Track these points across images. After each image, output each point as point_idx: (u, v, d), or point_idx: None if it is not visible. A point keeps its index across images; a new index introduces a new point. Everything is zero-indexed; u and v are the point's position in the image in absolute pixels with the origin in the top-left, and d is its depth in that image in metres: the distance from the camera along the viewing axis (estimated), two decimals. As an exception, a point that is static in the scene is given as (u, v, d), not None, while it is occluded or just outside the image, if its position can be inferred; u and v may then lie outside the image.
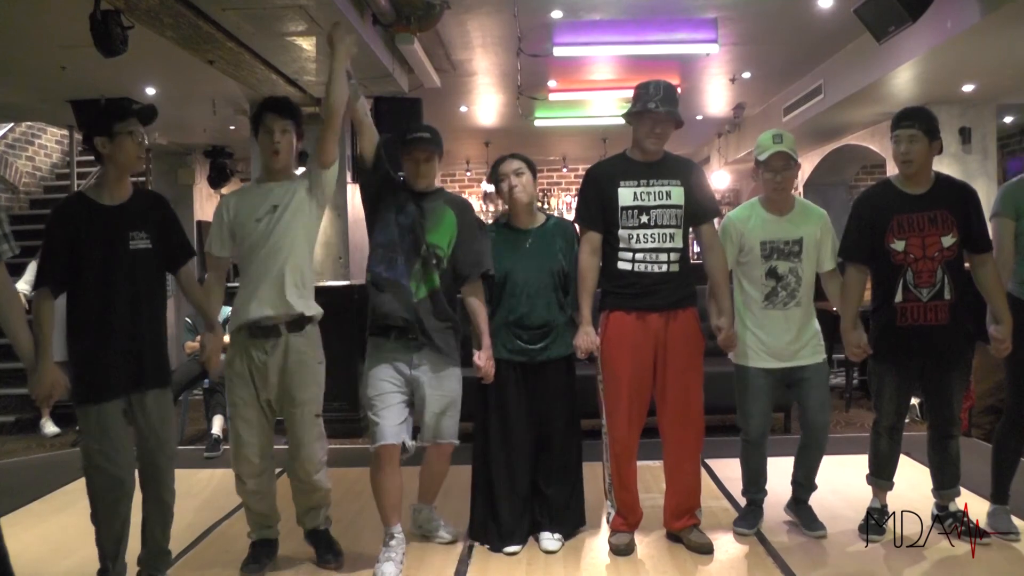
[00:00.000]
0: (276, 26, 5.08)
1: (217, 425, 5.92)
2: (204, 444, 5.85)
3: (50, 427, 6.98)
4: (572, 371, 3.75)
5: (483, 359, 3.58)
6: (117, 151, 3.11)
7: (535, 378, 3.67)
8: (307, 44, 5.47)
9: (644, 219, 3.54)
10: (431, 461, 3.76)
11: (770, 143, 3.66)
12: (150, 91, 7.40)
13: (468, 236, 3.62)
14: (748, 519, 3.85)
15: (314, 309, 3.47)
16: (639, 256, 3.54)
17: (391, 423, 3.44)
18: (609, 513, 3.73)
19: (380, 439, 3.43)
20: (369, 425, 3.52)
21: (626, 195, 3.55)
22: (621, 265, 3.57)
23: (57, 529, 4.17)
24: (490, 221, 4.18)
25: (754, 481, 3.87)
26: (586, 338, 3.53)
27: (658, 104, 3.50)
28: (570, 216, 12.85)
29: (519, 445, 3.66)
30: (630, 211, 3.54)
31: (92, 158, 3.22)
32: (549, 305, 3.64)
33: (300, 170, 3.60)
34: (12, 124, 9.83)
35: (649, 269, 3.54)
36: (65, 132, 8.59)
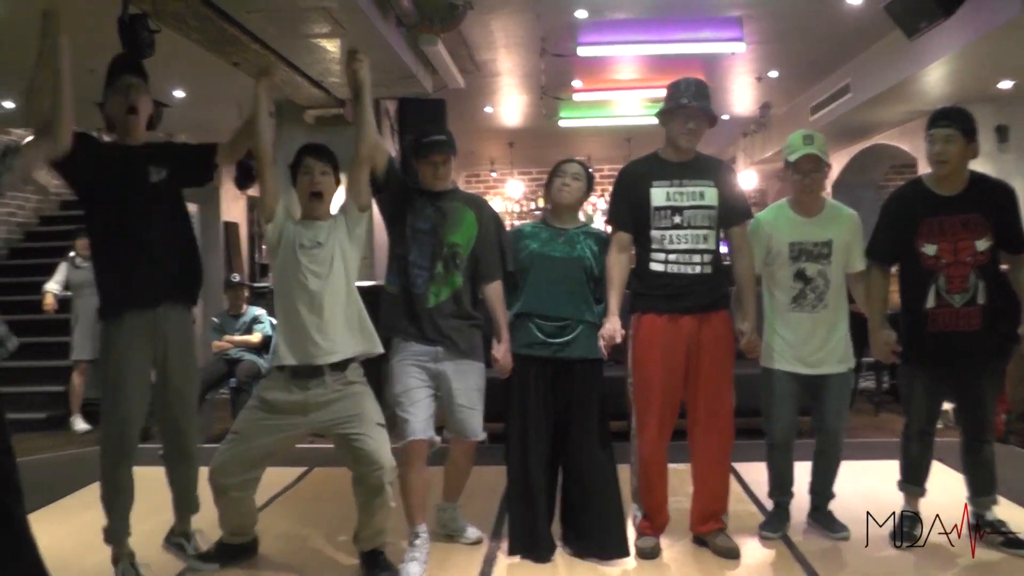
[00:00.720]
0: (300, 28, 5.10)
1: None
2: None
3: (80, 424, 7.06)
4: (599, 376, 3.66)
5: (500, 352, 3.57)
6: (108, 108, 3.34)
7: (559, 378, 3.61)
8: (331, 46, 5.48)
9: (677, 220, 3.50)
10: (455, 458, 3.75)
11: (800, 144, 3.61)
12: (178, 93, 7.46)
13: (489, 236, 3.64)
14: (774, 523, 3.80)
15: (358, 350, 3.40)
16: (672, 257, 3.50)
17: (419, 418, 3.45)
18: (635, 516, 3.70)
19: (410, 435, 3.42)
20: (398, 422, 3.51)
21: (658, 195, 3.51)
22: (654, 266, 3.53)
23: (85, 525, 4.17)
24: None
25: (779, 484, 3.82)
26: (610, 327, 3.45)
27: (690, 99, 3.47)
28: (597, 217, 12.84)
29: (537, 447, 3.59)
30: (663, 211, 3.50)
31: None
32: (572, 296, 3.59)
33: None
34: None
35: (682, 270, 3.49)
36: (94, 134, 8.69)
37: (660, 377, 3.52)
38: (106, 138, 3.43)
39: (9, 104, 7.69)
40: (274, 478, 4.76)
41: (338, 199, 3.54)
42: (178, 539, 3.57)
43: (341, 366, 3.35)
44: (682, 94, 3.49)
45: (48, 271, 7.44)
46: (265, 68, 3.47)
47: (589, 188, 3.77)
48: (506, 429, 3.66)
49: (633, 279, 3.60)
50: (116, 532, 3.37)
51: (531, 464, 3.59)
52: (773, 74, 8.39)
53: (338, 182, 3.54)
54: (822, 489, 3.83)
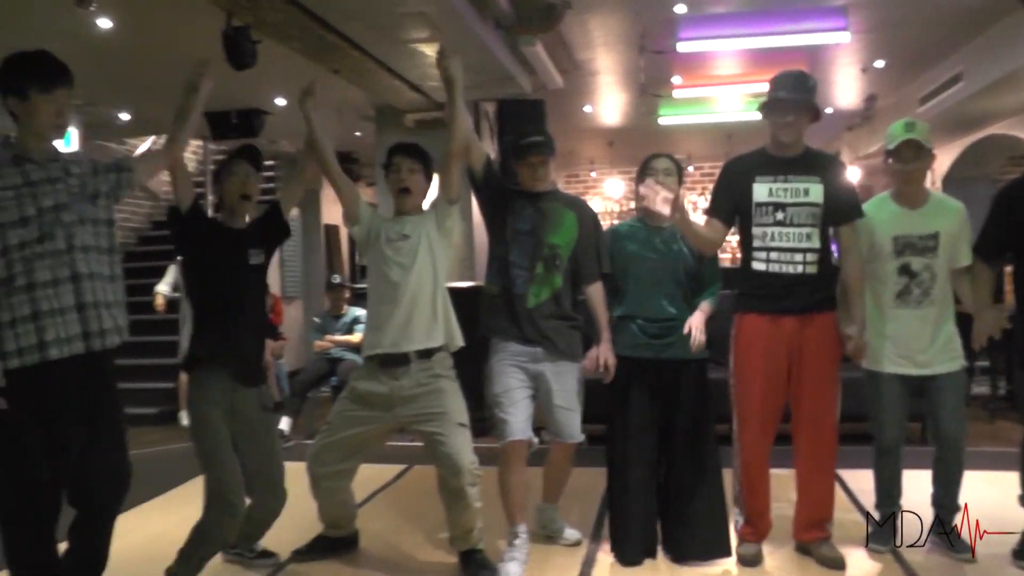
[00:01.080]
0: (398, 34, 5.17)
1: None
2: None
3: (187, 420, 7.34)
4: (704, 376, 3.60)
5: (602, 353, 3.56)
6: (223, 188, 3.45)
7: (662, 379, 3.55)
8: (429, 50, 5.55)
9: (779, 216, 3.40)
10: (555, 459, 3.76)
11: (900, 132, 3.49)
12: (279, 101, 7.68)
13: (589, 237, 3.64)
14: (882, 535, 3.64)
15: (443, 340, 3.49)
16: (774, 256, 3.41)
17: (519, 419, 3.48)
18: (737, 521, 3.63)
19: (509, 435, 3.46)
20: (496, 423, 3.55)
21: (761, 191, 3.43)
22: (756, 265, 3.45)
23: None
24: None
25: (888, 494, 3.66)
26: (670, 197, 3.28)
27: (787, 92, 3.38)
28: (697, 215, 12.60)
29: (640, 449, 3.56)
30: (765, 208, 3.42)
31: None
32: (672, 298, 3.54)
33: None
34: (153, 137, 10.38)
35: (784, 270, 3.40)
36: (200, 143, 9.05)
37: (761, 379, 3.44)
38: (212, 213, 3.59)
39: (125, 116, 8.06)
40: (373, 475, 4.88)
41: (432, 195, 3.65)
42: (236, 551, 3.68)
43: (426, 354, 3.42)
44: (780, 87, 3.41)
45: (159, 273, 7.76)
46: (307, 88, 3.53)
47: (680, 181, 3.69)
48: (608, 431, 3.65)
49: (735, 278, 3.54)
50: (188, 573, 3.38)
51: (632, 466, 3.56)
52: (879, 64, 8.11)
53: (429, 179, 3.64)
54: (947, 501, 3.60)
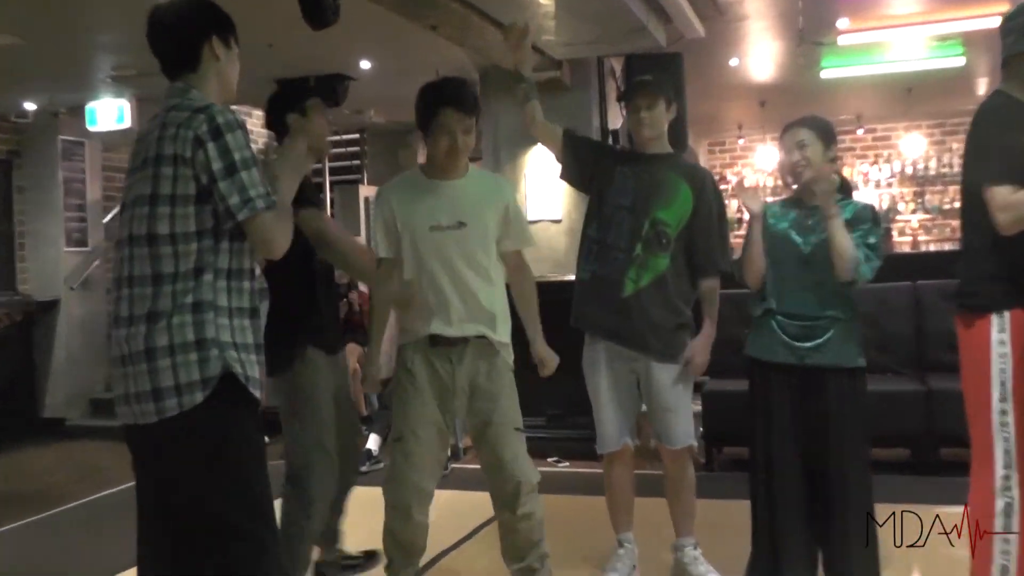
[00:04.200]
0: (508, -21, 5.19)
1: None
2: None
3: None
4: (859, 388, 3.46)
5: (695, 349, 3.64)
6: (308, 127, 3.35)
7: (808, 390, 3.44)
8: None
9: None
10: (668, 471, 3.85)
11: None
12: (364, 64, 7.83)
13: (706, 220, 3.62)
14: None
15: (499, 331, 3.45)
16: None
17: (611, 427, 3.72)
18: None
19: (602, 447, 3.75)
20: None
21: None
22: None
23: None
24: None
25: None
26: None
27: None
28: (868, 190, 12.19)
29: (785, 474, 3.46)
30: None
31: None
32: (821, 289, 3.40)
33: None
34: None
35: None
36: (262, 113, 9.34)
37: None
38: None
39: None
40: (478, 504, 4.91)
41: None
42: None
43: (484, 339, 3.37)
44: None
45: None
46: None
47: (828, 144, 3.48)
48: (750, 450, 3.62)
49: (993, 265, 3.11)
50: None
51: (777, 496, 3.47)
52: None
53: (478, 136, 3.53)
54: None
